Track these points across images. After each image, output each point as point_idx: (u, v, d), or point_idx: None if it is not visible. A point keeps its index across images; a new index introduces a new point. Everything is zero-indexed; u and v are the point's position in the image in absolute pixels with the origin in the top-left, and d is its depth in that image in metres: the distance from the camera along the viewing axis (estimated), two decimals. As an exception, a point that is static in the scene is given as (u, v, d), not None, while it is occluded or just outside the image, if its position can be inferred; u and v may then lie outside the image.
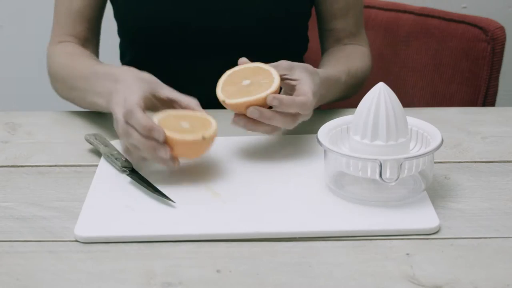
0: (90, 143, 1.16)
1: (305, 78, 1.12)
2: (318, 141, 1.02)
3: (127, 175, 1.07)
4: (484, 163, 1.12)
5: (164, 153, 1.02)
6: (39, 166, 1.13)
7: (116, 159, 1.10)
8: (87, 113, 1.31)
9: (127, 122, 1.04)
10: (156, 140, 1.02)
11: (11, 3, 2.33)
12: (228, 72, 1.12)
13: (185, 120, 1.05)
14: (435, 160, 1.11)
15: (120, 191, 1.05)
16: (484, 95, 1.53)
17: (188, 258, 0.91)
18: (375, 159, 0.98)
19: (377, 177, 0.98)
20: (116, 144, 1.15)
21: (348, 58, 1.35)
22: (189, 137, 1.03)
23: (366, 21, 1.46)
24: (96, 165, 1.12)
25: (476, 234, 0.94)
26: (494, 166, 1.11)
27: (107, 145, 1.14)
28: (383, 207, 0.99)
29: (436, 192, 1.04)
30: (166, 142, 1.02)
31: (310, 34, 1.47)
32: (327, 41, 1.43)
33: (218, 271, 0.89)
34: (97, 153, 1.15)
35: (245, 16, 1.35)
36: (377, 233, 0.94)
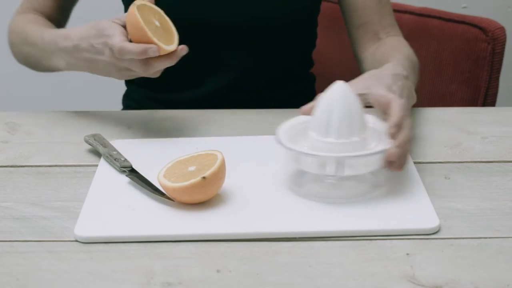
0: (90, 144, 1.16)
1: (370, 82, 1.07)
2: (276, 139, 1.02)
3: (127, 175, 1.07)
4: (484, 163, 1.12)
5: (155, 66, 1.11)
6: (39, 166, 1.13)
7: (115, 159, 1.10)
8: (87, 113, 1.31)
9: (120, 59, 1.12)
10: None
11: (11, 2, 2.33)
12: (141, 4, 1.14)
13: (192, 164, 1.01)
14: (435, 160, 1.12)
15: (120, 191, 1.05)
16: (484, 95, 1.53)
17: (188, 258, 0.91)
18: (315, 155, 0.99)
19: (319, 172, 1.00)
20: (115, 144, 1.15)
21: (395, 48, 1.30)
22: (188, 182, 0.98)
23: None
24: (96, 165, 1.12)
25: (476, 234, 0.94)
26: (494, 166, 1.11)
27: (106, 145, 1.14)
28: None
29: (436, 192, 1.04)
30: (168, 191, 1.00)
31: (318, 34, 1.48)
32: (364, 37, 1.37)
33: (218, 271, 0.88)
34: (97, 153, 1.15)
35: (253, 10, 1.35)
36: (377, 233, 0.94)
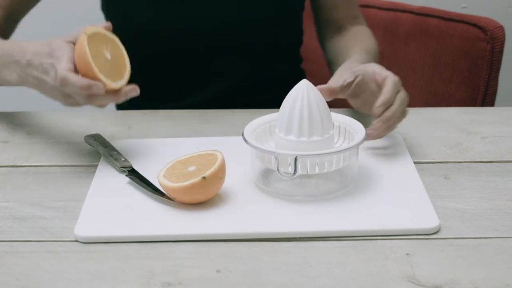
0: (90, 145, 1.16)
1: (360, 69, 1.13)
2: (244, 138, 1.03)
3: (126, 175, 1.07)
4: (484, 163, 1.12)
5: (100, 100, 1.05)
6: (39, 166, 1.13)
7: (115, 159, 1.10)
8: (87, 113, 1.31)
9: (63, 89, 1.05)
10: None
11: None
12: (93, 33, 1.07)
13: (192, 164, 1.02)
14: (435, 160, 1.12)
15: (120, 191, 1.05)
16: (483, 95, 1.53)
17: (188, 258, 0.91)
18: (272, 152, 1.00)
19: (276, 169, 1.00)
20: (115, 144, 1.15)
21: (356, 40, 1.34)
22: (187, 182, 0.98)
23: (366, 21, 1.45)
24: (96, 165, 1.12)
25: (476, 234, 0.94)
26: (494, 166, 1.11)
27: (106, 145, 1.14)
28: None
29: (436, 192, 1.04)
30: (168, 191, 1.00)
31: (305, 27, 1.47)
32: (329, 30, 1.42)
33: (218, 271, 0.89)
34: (97, 153, 1.15)
35: (240, 15, 1.35)
36: (377, 233, 0.94)
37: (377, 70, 1.12)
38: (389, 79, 1.10)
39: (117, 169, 1.09)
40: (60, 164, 1.14)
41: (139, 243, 0.94)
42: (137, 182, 1.05)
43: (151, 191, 1.03)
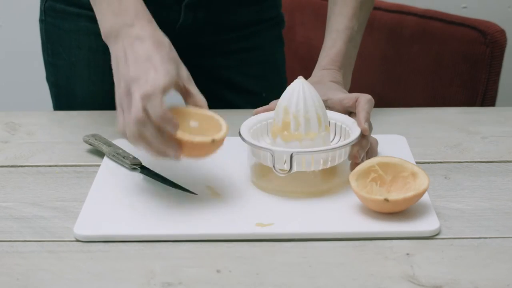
0: (90, 144, 1.16)
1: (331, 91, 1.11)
2: (240, 136, 1.03)
3: (140, 172, 1.07)
4: (484, 163, 1.12)
5: (172, 151, 0.94)
6: (39, 166, 1.13)
7: (123, 157, 1.10)
8: (87, 113, 1.31)
9: (144, 107, 0.94)
10: (167, 133, 0.94)
11: (11, 3, 2.33)
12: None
13: (194, 119, 1.00)
14: (435, 160, 1.12)
15: (121, 190, 1.05)
16: (482, 98, 1.53)
17: (188, 258, 0.91)
18: (268, 149, 1.00)
19: (271, 166, 1.00)
20: (118, 143, 1.15)
21: (336, 15, 1.24)
22: (198, 138, 0.96)
23: (371, 23, 1.44)
24: (96, 165, 1.12)
25: (476, 234, 0.94)
26: (494, 166, 1.11)
27: (110, 144, 1.14)
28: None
29: (436, 192, 1.04)
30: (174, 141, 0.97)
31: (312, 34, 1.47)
32: None
33: (218, 271, 0.89)
34: (97, 153, 1.16)
35: None
36: (377, 235, 0.94)
37: (342, 96, 1.09)
38: (362, 97, 1.06)
39: (127, 167, 1.09)
40: (60, 164, 1.14)
41: (139, 243, 0.94)
42: (152, 178, 1.04)
43: (169, 186, 1.02)
